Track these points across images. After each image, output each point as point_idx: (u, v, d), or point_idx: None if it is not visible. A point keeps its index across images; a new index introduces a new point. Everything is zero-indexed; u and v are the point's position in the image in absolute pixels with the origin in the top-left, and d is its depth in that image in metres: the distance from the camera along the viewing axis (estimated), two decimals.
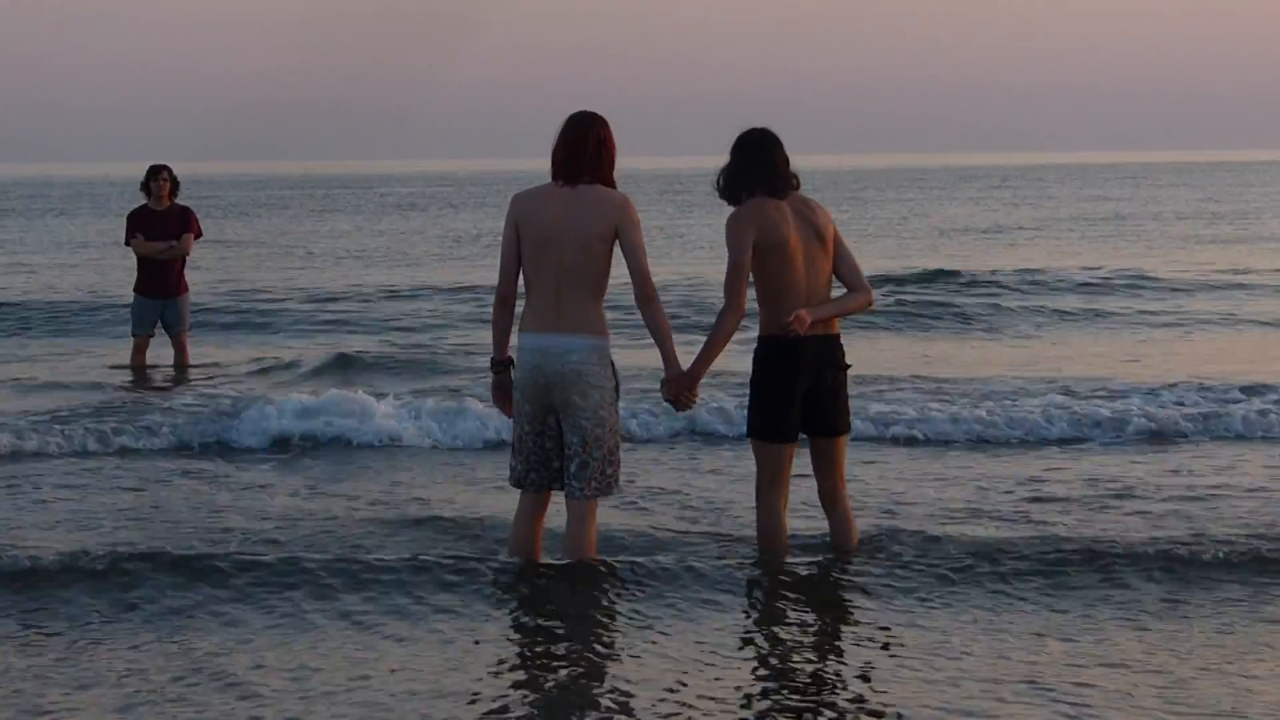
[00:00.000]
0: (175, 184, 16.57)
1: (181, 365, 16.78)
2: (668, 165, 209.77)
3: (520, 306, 8.02)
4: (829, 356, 8.25)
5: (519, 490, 8.16)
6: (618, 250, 7.92)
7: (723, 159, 8.39)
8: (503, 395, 8.13)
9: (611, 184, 7.96)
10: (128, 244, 16.55)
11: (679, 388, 8.07)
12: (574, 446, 7.92)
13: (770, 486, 8.34)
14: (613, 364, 7.98)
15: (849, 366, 8.37)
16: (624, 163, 8.44)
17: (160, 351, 16.86)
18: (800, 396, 8.22)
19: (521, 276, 7.99)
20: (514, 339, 8.08)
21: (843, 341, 8.37)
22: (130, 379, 16.53)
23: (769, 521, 8.41)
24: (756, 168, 8.25)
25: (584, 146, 7.90)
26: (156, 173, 16.57)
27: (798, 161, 8.33)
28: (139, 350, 16.85)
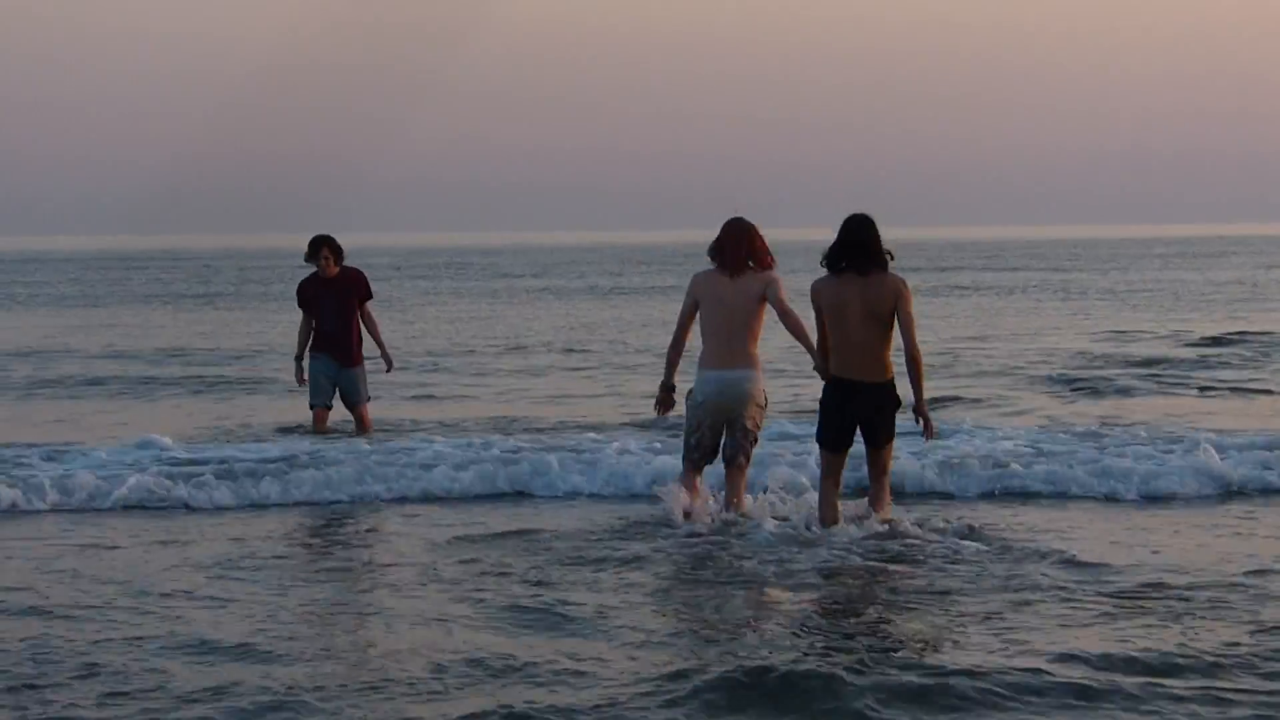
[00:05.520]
0: (339, 253, 16.34)
1: (364, 435, 16.22)
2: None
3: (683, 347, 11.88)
4: (879, 399, 10.98)
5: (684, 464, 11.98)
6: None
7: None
8: (664, 406, 11.96)
9: (764, 265, 11.66)
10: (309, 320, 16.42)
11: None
12: (736, 440, 11.78)
13: (825, 477, 11.39)
14: (764, 388, 11.78)
15: (899, 404, 11.04)
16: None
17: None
18: (852, 423, 11.07)
19: (698, 326, 11.72)
20: (676, 374, 11.80)
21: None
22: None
23: (825, 500, 11.37)
24: (844, 248, 11.01)
25: (733, 248, 11.66)
26: (318, 248, 16.33)
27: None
28: (319, 421, 16.40)
